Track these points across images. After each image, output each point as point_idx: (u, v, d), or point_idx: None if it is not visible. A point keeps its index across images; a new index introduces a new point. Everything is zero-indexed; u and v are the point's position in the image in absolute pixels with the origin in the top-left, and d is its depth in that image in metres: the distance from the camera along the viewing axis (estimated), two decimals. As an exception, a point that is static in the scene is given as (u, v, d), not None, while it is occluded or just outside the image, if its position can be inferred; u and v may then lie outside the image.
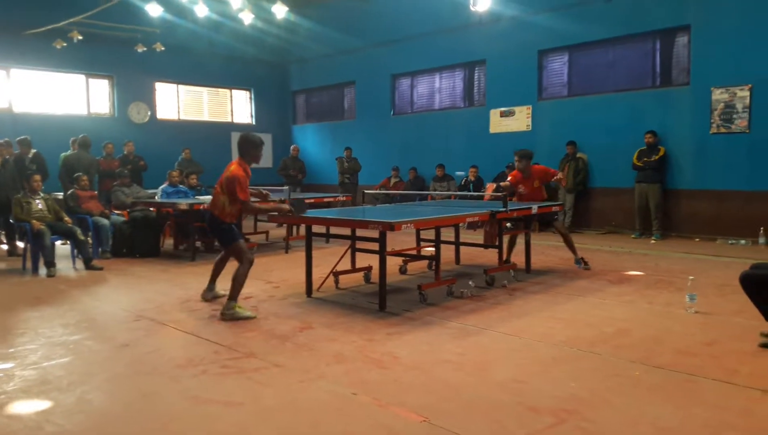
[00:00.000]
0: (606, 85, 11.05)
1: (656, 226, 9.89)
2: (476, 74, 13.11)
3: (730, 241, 9.26)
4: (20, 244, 8.46)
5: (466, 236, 8.49)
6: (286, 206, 5.80)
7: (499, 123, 12.44)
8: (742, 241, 9.15)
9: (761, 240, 8.91)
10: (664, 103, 10.22)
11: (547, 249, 8.95)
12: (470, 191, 11.70)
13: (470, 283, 6.18)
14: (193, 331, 4.88)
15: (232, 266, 5.57)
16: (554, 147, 11.41)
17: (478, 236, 8.23)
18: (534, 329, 4.76)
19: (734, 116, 9.40)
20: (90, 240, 8.39)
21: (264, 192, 5.92)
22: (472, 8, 10.72)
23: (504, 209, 6.23)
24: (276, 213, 5.76)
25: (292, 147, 13.96)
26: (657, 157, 9.81)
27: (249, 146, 5.41)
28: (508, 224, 7.81)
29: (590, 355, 4.12)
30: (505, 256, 7.68)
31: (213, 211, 5.42)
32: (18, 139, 9.84)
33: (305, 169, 13.88)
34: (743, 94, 9.28)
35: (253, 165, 5.51)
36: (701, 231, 9.74)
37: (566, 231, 7.74)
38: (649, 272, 7.10)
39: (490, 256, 7.67)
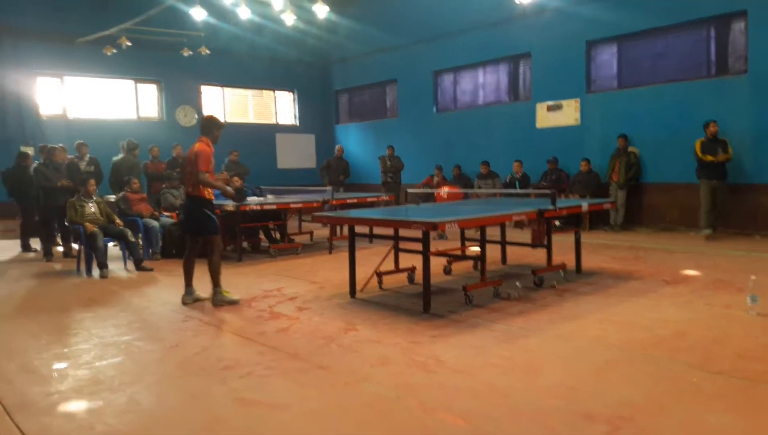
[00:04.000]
0: (658, 75, 10.63)
1: (716, 222, 9.32)
2: (521, 68, 12.85)
3: (794, 238, 8.78)
4: (74, 246, 8.76)
5: (513, 235, 8.32)
6: (231, 190, 6.20)
7: (546, 117, 12.16)
8: (808, 237, 8.67)
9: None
10: (720, 93, 9.76)
11: (599, 248, 8.69)
12: (516, 188, 11.48)
13: (517, 283, 6.04)
14: (238, 331, 4.93)
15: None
16: (605, 141, 11.07)
17: (526, 235, 8.05)
18: (585, 332, 4.60)
19: (797, 105, 8.90)
20: (140, 241, 8.60)
21: (229, 178, 6.23)
22: (516, 1, 10.52)
23: (552, 208, 6.06)
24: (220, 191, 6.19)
25: (336, 147, 13.95)
26: (726, 155, 9.02)
27: (212, 126, 5.87)
28: (557, 222, 7.61)
29: (645, 359, 3.95)
30: None
31: (191, 192, 5.73)
32: (77, 142, 10.24)
33: (349, 170, 13.86)
34: (807, 81, 8.77)
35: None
36: (763, 227, 9.26)
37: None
38: (706, 271, 6.79)
39: (539, 256, 7.48)
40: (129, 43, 12.20)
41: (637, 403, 3.25)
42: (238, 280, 7.03)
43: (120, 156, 10.87)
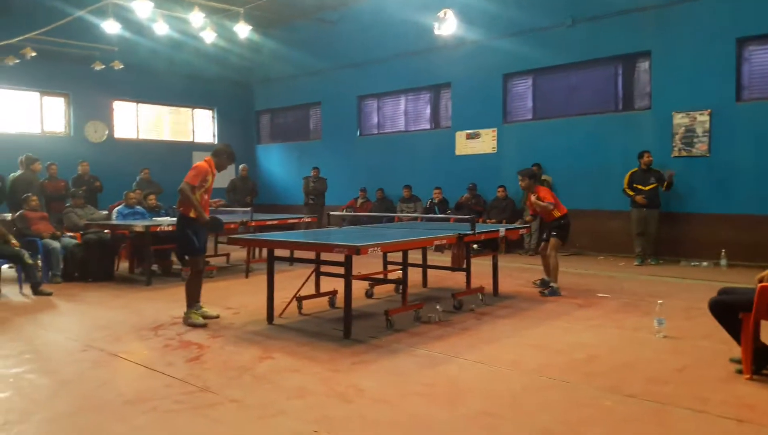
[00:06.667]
0: (570, 108, 11.17)
1: (652, 250, 9.55)
2: (442, 97, 13.13)
3: (692, 263, 9.34)
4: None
5: (433, 258, 8.36)
6: (206, 217, 5.79)
7: (465, 145, 12.45)
8: (704, 263, 9.24)
9: (722, 262, 9.00)
10: (627, 127, 10.36)
11: (515, 271, 8.88)
12: (436, 213, 11.62)
13: (438, 307, 6.02)
14: (144, 362, 4.59)
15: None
16: (520, 169, 11.43)
17: (446, 258, 8.11)
18: (503, 356, 4.61)
19: (695, 140, 9.58)
20: (39, 263, 7.96)
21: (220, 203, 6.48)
22: (436, 32, 10.72)
23: (471, 232, 6.12)
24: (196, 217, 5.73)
25: (241, 166, 13.07)
26: (664, 184, 9.32)
27: (223, 154, 5.88)
28: (475, 246, 7.72)
29: (561, 384, 3.99)
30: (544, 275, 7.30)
31: (178, 207, 5.76)
32: None
33: (257, 190, 13.35)
34: (703, 118, 9.47)
35: (215, 185, 5.97)
36: (664, 253, 9.79)
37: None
38: (615, 295, 7.06)
39: (458, 279, 7.54)
40: (34, 54, 11.45)
41: (554, 430, 3.26)
42: (146, 305, 6.62)
43: (18, 172, 10.10)
